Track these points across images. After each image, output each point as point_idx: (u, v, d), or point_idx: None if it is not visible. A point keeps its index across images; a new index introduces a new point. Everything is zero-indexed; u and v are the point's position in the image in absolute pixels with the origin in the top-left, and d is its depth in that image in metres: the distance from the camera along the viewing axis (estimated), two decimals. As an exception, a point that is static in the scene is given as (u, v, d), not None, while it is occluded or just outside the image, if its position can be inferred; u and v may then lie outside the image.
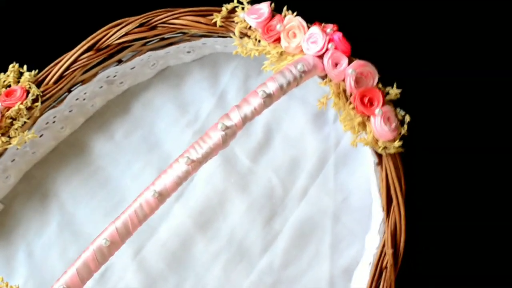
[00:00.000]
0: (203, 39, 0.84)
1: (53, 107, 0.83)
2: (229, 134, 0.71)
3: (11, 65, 0.82)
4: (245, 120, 0.71)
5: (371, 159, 0.80)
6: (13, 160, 0.85)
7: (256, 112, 0.71)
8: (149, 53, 0.84)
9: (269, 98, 0.72)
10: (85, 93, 0.85)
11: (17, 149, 0.84)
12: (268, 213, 0.86)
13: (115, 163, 0.88)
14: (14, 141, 0.80)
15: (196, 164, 0.71)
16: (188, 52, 0.87)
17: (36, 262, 0.86)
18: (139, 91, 0.90)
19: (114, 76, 0.86)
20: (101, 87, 0.86)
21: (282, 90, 0.72)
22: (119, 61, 0.84)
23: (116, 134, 0.89)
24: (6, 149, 0.81)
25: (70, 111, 0.86)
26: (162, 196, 0.70)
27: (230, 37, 0.81)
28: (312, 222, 0.86)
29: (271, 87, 0.72)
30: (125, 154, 0.88)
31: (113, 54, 0.83)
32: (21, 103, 0.80)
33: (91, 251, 0.69)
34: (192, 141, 0.86)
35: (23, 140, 0.80)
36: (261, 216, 0.86)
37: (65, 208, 0.87)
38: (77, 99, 0.85)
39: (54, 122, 0.86)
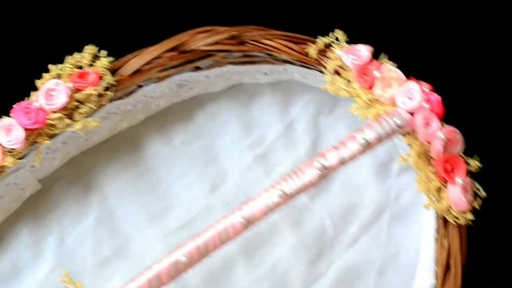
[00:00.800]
0: (286, 65, 0.82)
1: (119, 98, 0.81)
2: (324, 174, 0.69)
3: (87, 47, 0.79)
4: (342, 162, 0.69)
5: (430, 221, 0.78)
6: (65, 142, 0.83)
7: (353, 156, 0.69)
8: (228, 66, 0.82)
9: (367, 146, 0.70)
10: (154, 92, 0.83)
11: (73, 133, 0.81)
12: (316, 252, 0.84)
13: (169, 168, 0.86)
14: (77, 126, 0.77)
15: (287, 197, 0.69)
16: (266, 74, 0.85)
17: (66, 251, 0.83)
18: (206, 101, 0.87)
19: (187, 81, 0.84)
20: (171, 89, 0.84)
21: (379, 139, 0.70)
22: (197, 68, 0.82)
23: (175, 139, 0.86)
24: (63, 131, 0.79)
25: (133, 106, 0.84)
26: (248, 223, 0.69)
27: (318, 70, 0.79)
28: (357, 271, 0.84)
29: (370, 135, 0.70)
30: (181, 161, 0.86)
31: (194, 60, 0.81)
32: (93, 89, 0.77)
33: (167, 264, 0.66)
34: (252, 164, 0.85)
35: (85, 126, 0.78)
36: (308, 254, 0.83)
37: (107, 202, 0.85)
38: (145, 96, 0.83)
39: (116, 113, 0.83)
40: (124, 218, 0.84)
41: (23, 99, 0.77)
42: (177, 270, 0.67)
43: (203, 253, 0.67)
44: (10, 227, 0.85)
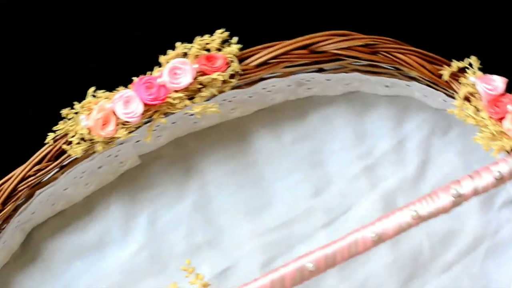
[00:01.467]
0: (412, 82, 0.80)
1: (238, 87, 0.80)
2: (457, 201, 0.68)
3: (218, 30, 0.78)
4: (475, 193, 0.68)
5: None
6: (174, 122, 0.82)
7: (486, 188, 0.68)
8: (354, 73, 0.81)
9: (500, 180, 0.68)
10: (273, 86, 0.82)
11: (185, 113, 0.80)
12: (409, 273, 0.82)
13: (273, 165, 0.84)
14: (196, 108, 0.76)
15: (420, 219, 0.68)
16: (387, 86, 0.83)
17: (157, 233, 0.82)
18: (321, 103, 0.85)
19: (308, 81, 0.82)
20: (290, 85, 0.83)
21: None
22: (321, 69, 0.81)
23: (284, 136, 0.85)
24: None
25: (249, 97, 0.82)
26: (379, 239, 0.67)
27: (445, 92, 0.77)
28: None
29: (504, 169, 0.69)
30: (288, 160, 0.84)
31: (322, 61, 0.79)
32: (219, 74, 0.76)
33: (293, 269, 0.65)
34: (359, 175, 0.84)
35: (204, 111, 0.77)
36: (400, 274, 0.82)
37: (206, 189, 0.84)
38: (263, 89, 0.82)
39: (230, 101, 0.82)
40: (221, 208, 0.83)
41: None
42: (302, 276, 0.65)
43: (330, 263, 0.66)
44: (102, 199, 0.84)
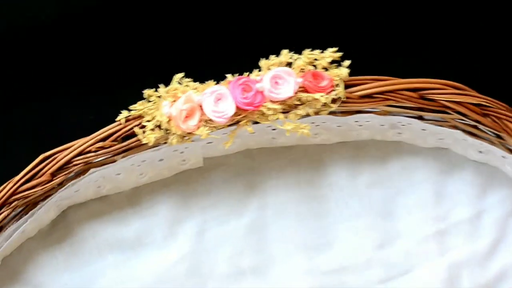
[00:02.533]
0: (510, 155, 0.75)
1: (333, 113, 0.74)
2: None
3: (331, 49, 0.72)
4: None
5: None
6: (253, 132, 0.76)
7: None
8: (455, 130, 0.75)
9: None
10: (367, 121, 0.76)
11: (267, 126, 0.74)
12: None
13: (343, 204, 0.78)
14: (288, 126, 0.70)
15: None
16: (480, 152, 0.78)
17: (202, 246, 0.76)
18: (407, 152, 0.79)
19: (403, 125, 0.77)
20: (382, 125, 0.77)
21: None
22: (420, 117, 0.76)
23: (360, 177, 0.78)
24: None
25: (338, 126, 0.77)
26: None
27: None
28: None
29: None
30: (358, 203, 0.78)
31: (427, 109, 0.74)
32: (323, 95, 0.71)
33: None
34: (429, 237, 0.79)
35: (295, 130, 0.71)
36: None
37: (265, 211, 0.77)
38: (355, 121, 0.76)
39: (317, 125, 0.76)
40: (276, 235, 0.77)
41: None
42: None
43: None
44: (151, 194, 0.77)
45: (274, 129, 0.75)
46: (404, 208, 0.79)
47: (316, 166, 0.79)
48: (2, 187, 0.70)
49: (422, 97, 0.73)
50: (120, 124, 0.70)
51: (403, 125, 0.77)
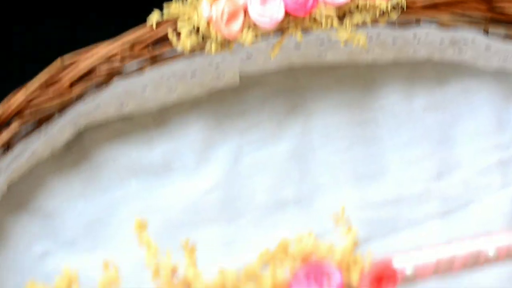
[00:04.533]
0: None
1: (391, 24, 0.67)
2: None
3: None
4: None
5: None
6: (297, 44, 0.68)
7: None
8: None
9: None
10: (426, 34, 0.68)
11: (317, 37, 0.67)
12: None
13: (396, 130, 0.70)
14: (342, 33, 0.62)
15: None
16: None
17: (238, 173, 0.69)
18: (467, 73, 0.71)
19: (464, 43, 0.69)
20: (442, 42, 0.69)
21: None
22: (486, 32, 0.68)
23: (416, 100, 0.70)
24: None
25: (393, 41, 0.69)
26: None
27: None
28: None
29: None
30: (413, 128, 0.70)
31: (496, 21, 0.67)
32: (382, 1, 0.63)
33: (467, 252, 0.53)
34: (492, 167, 0.71)
35: (350, 38, 0.63)
36: None
37: (310, 136, 0.70)
38: (413, 35, 0.68)
39: (369, 39, 0.68)
40: (322, 163, 0.70)
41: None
42: (475, 262, 0.53)
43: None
44: (181, 114, 0.69)
45: (321, 44, 0.68)
46: (463, 135, 0.72)
47: (366, 87, 0.71)
48: (13, 94, 0.62)
49: (493, 8, 0.66)
50: (150, 28, 0.63)
51: (465, 43, 0.69)
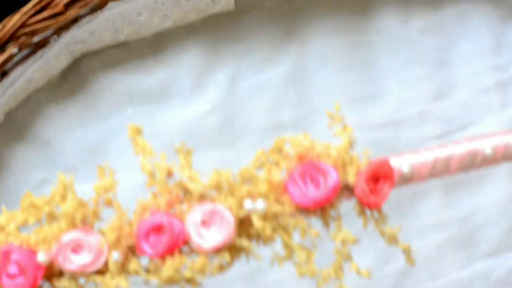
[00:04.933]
0: None
1: None
2: None
3: None
4: None
5: None
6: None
7: None
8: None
9: None
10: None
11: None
12: None
13: (393, 52, 0.70)
14: None
15: None
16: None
17: (236, 97, 0.69)
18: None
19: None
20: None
21: None
22: None
23: (412, 22, 0.70)
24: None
25: None
26: None
27: None
28: None
29: None
30: (410, 50, 0.70)
31: None
32: None
33: (464, 150, 0.52)
34: (490, 88, 0.71)
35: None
36: None
37: (306, 59, 0.69)
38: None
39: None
40: (319, 86, 0.70)
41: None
42: (473, 162, 0.53)
43: (509, 154, 0.53)
44: (177, 40, 0.69)
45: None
46: (460, 56, 0.72)
47: (362, 10, 0.71)
48: (8, 18, 0.62)
49: None
50: (144, -51, 0.63)
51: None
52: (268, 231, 0.49)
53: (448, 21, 0.72)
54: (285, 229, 0.50)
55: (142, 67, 0.69)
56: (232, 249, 0.50)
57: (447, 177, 0.68)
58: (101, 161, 0.67)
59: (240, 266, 0.68)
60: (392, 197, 0.69)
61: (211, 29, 0.69)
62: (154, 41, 0.69)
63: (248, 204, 0.49)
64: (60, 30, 0.64)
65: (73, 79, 0.68)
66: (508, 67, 0.72)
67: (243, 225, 0.50)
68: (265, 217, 0.49)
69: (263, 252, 0.69)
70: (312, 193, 0.49)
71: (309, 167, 0.50)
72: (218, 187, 0.50)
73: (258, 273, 0.69)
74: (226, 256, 0.50)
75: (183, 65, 0.69)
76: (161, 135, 0.68)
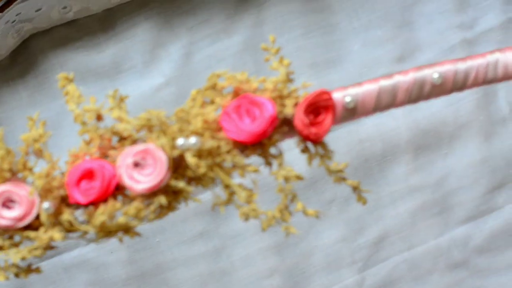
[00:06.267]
0: None
1: None
2: None
3: None
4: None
5: None
6: None
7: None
8: None
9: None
10: None
11: None
12: (498, 179, 0.69)
13: (353, 14, 0.69)
14: None
15: None
16: None
17: (191, 69, 0.68)
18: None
19: None
20: None
21: None
22: None
23: None
24: None
25: None
26: None
27: None
28: None
29: None
30: (371, 11, 0.69)
31: None
32: None
33: (411, 78, 0.50)
34: (456, 47, 0.70)
35: None
36: (489, 178, 0.68)
37: (262, 27, 0.68)
38: None
39: None
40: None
41: None
42: (421, 91, 0.50)
43: (459, 82, 0.51)
44: (128, 15, 0.68)
45: None
46: (424, 16, 0.70)
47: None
48: None
49: None
50: None
51: None
52: (202, 169, 0.47)
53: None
54: (222, 167, 0.48)
55: (93, 45, 0.68)
56: (169, 192, 0.48)
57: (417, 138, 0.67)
58: (54, 139, 0.66)
59: (204, 244, 0.67)
60: (360, 163, 0.67)
61: (163, 2, 0.68)
62: (104, 17, 0.68)
63: (180, 141, 0.47)
64: (3, 7, 0.63)
65: (22, 59, 0.67)
66: (473, 25, 0.70)
67: (180, 166, 0.48)
68: (199, 154, 0.48)
69: (226, 229, 0.68)
70: (247, 126, 0.48)
71: (244, 101, 0.48)
72: (149, 127, 0.48)
73: (222, 250, 0.67)
74: (162, 200, 0.48)
75: (135, 39, 0.68)
76: (115, 112, 0.66)
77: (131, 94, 0.66)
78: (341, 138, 0.68)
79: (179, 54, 0.68)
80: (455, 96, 0.68)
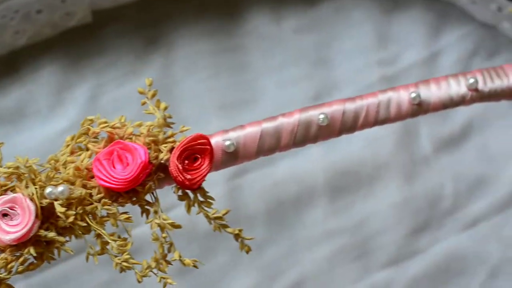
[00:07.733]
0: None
1: None
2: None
3: None
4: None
5: None
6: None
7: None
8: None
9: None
10: None
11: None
12: (421, 222, 0.67)
13: (267, 54, 0.70)
14: None
15: (479, 95, 0.53)
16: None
17: (97, 112, 0.66)
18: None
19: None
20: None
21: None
22: None
23: (285, 22, 0.70)
24: None
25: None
26: (419, 107, 0.51)
27: None
28: (464, 263, 0.68)
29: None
30: (285, 51, 0.69)
31: None
32: None
33: (295, 120, 0.50)
34: (375, 85, 0.70)
35: None
36: (410, 220, 0.67)
37: (171, 68, 0.69)
38: None
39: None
40: (187, 95, 0.68)
41: None
42: (306, 132, 0.50)
43: (348, 123, 0.50)
44: (33, 57, 0.68)
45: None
46: (341, 53, 0.70)
47: (231, 12, 0.70)
48: None
49: None
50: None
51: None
52: (71, 218, 0.46)
53: (326, 18, 0.71)
54: (95, 216, 0.47)
55: (-3, 88, 0.67)
56: (40, 242, 0.47)
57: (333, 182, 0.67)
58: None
59: None
60: (275, 207, 0.67)
61: (68, 44, 0.69)
62: (8, 59, 0.68)
63: (48, 190, 0.47)
64: None
65: None
66: (394, 61, 0.70)
67: (52, 216, 0.48)
68: (69, 203, 0.47)
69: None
70: (118, 173, 0.47)
71: (116, 148, 0.48)
72: (18, 175, 0.48)
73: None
74: (31, 251, 0.47)
75: (40, 82, 0.68)
76: (20, 154, 0.66)
77: (34, 139, 0.67)
78: (255, 181, 0.67)
79: (85, 97, 0.68)
80: (374, 134, 0.68)
